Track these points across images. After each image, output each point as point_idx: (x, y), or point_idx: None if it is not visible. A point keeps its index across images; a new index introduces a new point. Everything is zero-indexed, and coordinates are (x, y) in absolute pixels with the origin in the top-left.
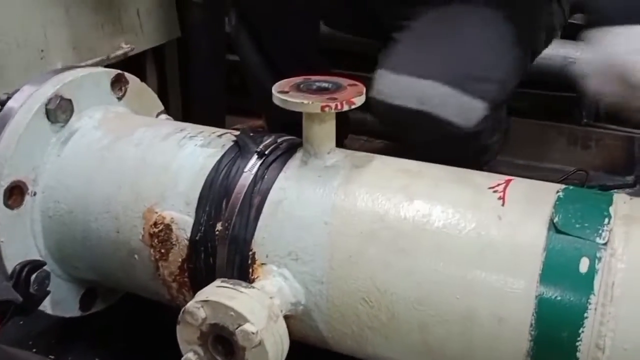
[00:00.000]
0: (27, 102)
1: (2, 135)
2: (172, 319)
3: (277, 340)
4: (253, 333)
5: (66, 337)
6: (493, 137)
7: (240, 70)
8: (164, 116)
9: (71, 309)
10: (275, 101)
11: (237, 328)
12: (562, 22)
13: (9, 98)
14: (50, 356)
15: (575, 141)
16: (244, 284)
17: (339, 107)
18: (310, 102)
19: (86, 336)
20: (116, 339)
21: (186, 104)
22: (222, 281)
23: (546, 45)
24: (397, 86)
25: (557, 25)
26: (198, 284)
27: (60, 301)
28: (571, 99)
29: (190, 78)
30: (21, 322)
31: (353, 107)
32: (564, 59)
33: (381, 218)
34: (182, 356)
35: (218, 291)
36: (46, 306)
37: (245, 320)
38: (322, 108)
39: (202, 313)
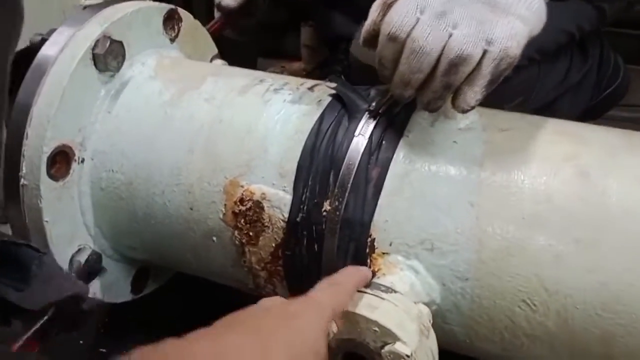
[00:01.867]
0: (69, 45)
1: (41, 89)
2: (238, 300)
3: None
4: (407, 356)
5: (115, 325)
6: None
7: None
8: (219, 61)
9: (123, 293)
10: None
11: (382, 347)
12: None
13: (44, 40)
14: (101, 349)
15: None
16: (382, 286)
17: None
18: None
19: (137, 322)
20: (169, 324)
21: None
22: None
23: None
24: None
25: None
26: (296, 274)
27: (111, 285)
28: None
29: None
30: None
31: None
32: None
33: (548, 198)
34: None
35: (353, 297)
36: (96, 293)
37: (395, 339)
38: None
39: (333, 326)
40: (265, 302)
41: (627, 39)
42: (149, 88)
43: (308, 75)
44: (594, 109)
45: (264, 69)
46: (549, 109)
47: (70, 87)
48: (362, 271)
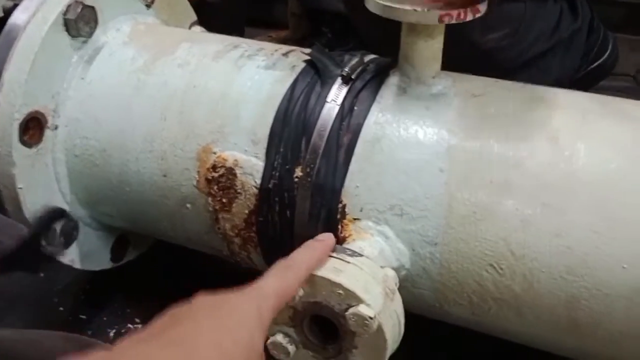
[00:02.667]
0: (40, 11)
1: (12, 55)
2: (217, 267)
3: (395, 323)
4: (370, 318)
5: (96, 292)
6: (487, 35)
7: None
8: (198, 28)
9: (103, 261)
10: (371, 7)
11: (346, 310)
12: None
13: (15, 5)
14: (81, 316)
15: None
16: (348, 250)
17: (462, 16)
18: (425, 10)
19: (118, 289)
20: (151, 291)
21: (199, 13)
22: None
23: None
24: None
25: None
26: (269, 240)
27: (89, 253)
28: None
29: None
30: (42, 275)
31: (478, 15)
32: None
33: (517, 163)
34: None
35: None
36: (74, 260)
37: (359, 301)
38: (441, 18)
39: (299, 290)
40: (200, 299)
41: (614, 7)
42: (123, 54)
43: (294, 44)
44: (583, 80)
45: (251, 38)
46: (537, 66)
47: (41, 53)
48: (323, 245)
